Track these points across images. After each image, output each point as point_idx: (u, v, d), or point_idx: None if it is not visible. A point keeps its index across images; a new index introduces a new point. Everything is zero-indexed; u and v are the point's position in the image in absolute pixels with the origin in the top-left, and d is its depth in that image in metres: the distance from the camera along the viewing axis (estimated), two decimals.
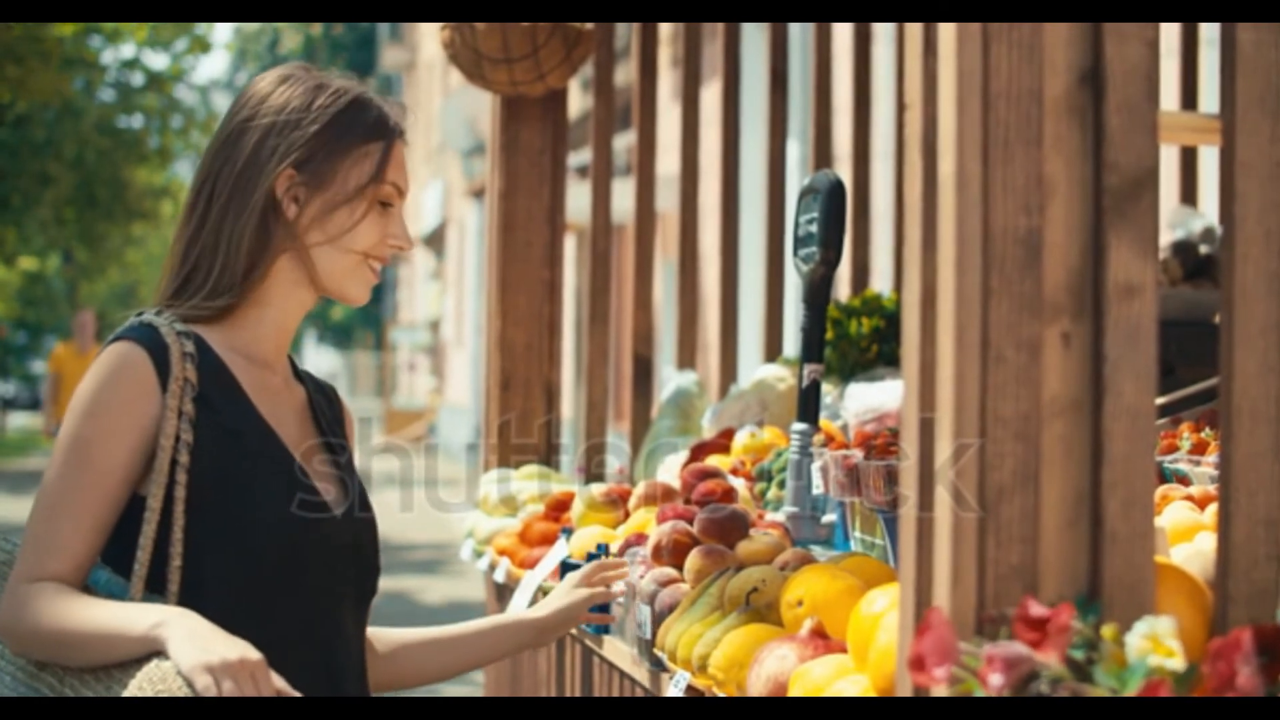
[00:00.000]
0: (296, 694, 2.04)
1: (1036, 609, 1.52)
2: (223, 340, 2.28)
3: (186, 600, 2.14)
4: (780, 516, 3.26)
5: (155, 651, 2.03)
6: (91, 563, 2.18)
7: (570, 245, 16.51)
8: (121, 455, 2.18)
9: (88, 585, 2.18)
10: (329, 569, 2.27)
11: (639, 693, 2.92)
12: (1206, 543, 2.12)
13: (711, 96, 9.14)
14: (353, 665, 2.32)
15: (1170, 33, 5.14)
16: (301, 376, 2.42)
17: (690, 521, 2.96)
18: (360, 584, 2.35)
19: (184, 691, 1.97)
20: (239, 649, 1.99)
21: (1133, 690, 1.46)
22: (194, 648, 2.00)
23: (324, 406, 2.42)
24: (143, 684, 2.00)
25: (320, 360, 48.73)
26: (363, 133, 2.30)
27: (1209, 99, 5.33)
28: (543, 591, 3.63)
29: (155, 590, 2.17)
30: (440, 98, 28.49)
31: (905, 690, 1.62)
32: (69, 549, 2.16)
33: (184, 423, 2.19)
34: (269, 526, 2.21)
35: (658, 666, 2.77)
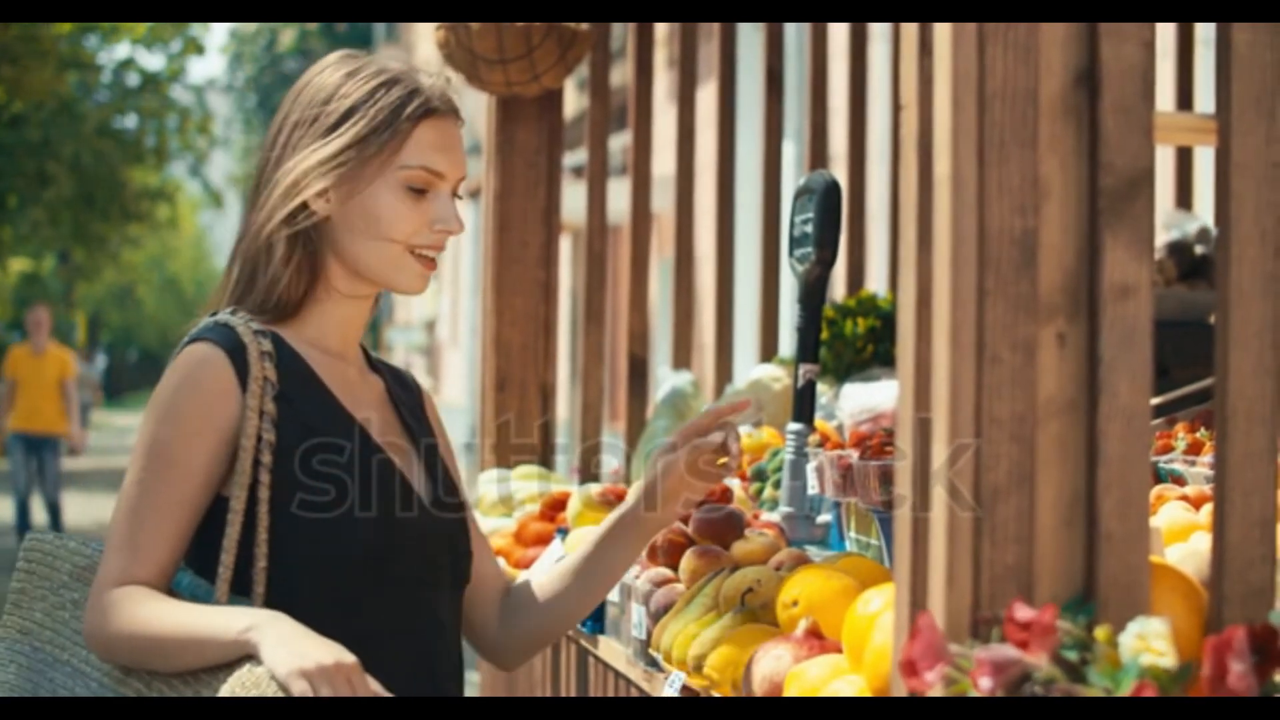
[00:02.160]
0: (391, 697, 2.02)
1: (1024, 613, 1.52)
2: (297, 336, 2.25)
3: (274, 600, 2.12)
4: (776, 517, 3.26)
5: (247, 655, 2.01)
6: (176, 566, 2.16)
7: (566, 246, 16.51)
8: (202, 457, 2.15)
9: (171, 589, 2.15)
10: (421, 559, 2.24)
11: (634, 693, 2.92)
12: (1201, 543, 2.12)
13: (707, 97, 9.15)
14: (449, 654, 2.29)
15: (1166, 33, 5.14)
16: (376, 366, 2.39)
17: (685, 521, 2.96)
18: (454, 570, 2.32)
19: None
20: (334, 652, 1.97)
21: (1126, 690, 1.46)
22: (288, 652, 1.97)
23: (402, 394, 2.38)
24: (235, 689, 1.99)
25: None
26: (385, 118, 2.22)
27: (1204, 99, 5.33)
28: None
29: (240, 593, 2.15)
30: None
31: (900, 690, 1.62)
32: (152, 553, 2.13)
33: (265, 422, 2.16)
34: (357, 521, 2.18)
35: (653, 667, 2.77)
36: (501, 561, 3.90)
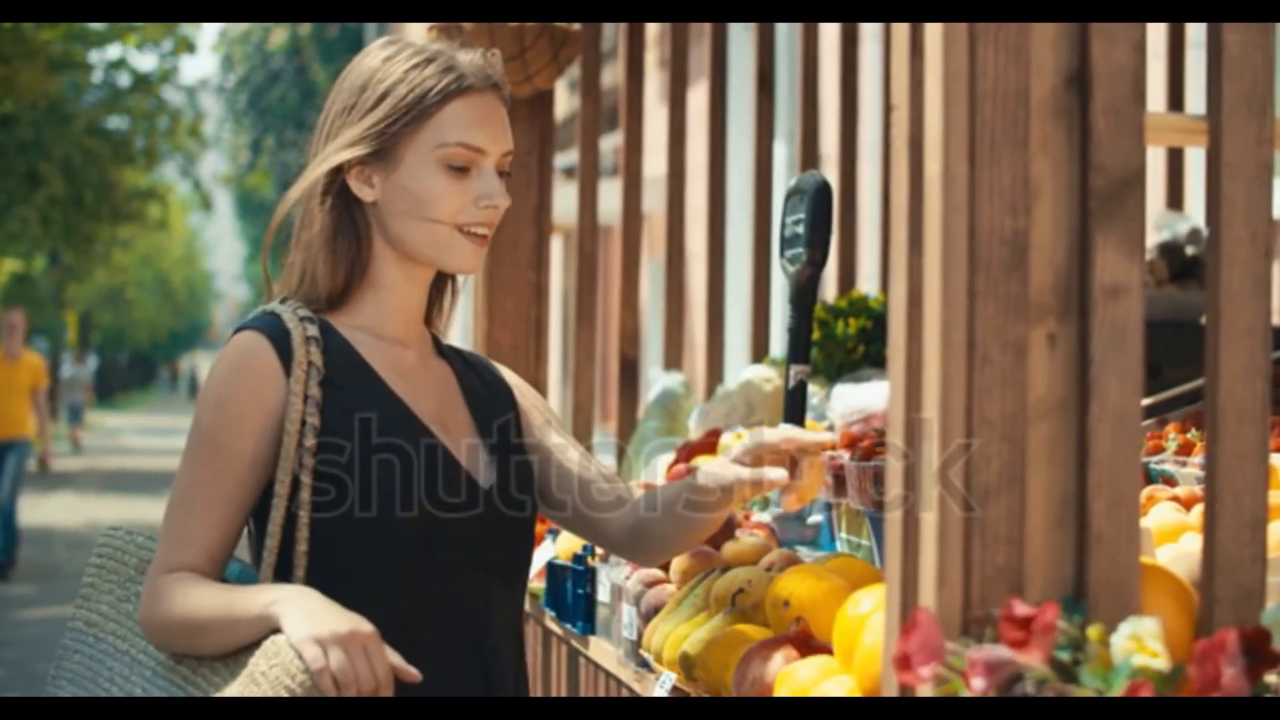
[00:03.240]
0: (412, 669, 2.02)
1: (1022, 609, 1.52)
2: (348, 323, 2.26)
3: (318, 583, 2.12)
4: (766, 517, 3.26)
5: (273, 629, 2.03)
6: (227, 552, 2.18)
7: (557, 247, 16.50)
8: (249, 443, 2.16)
9: (223, 578, 2.18)
10: (470, 544, 2.23)
11: (625, 693, 2.91)
12: (1192, 544, 2.12)
13: (698, 98, 9.16)
14: (501, 635, 2.28)
15: (1157, 34, 5.14)
16: (445, 352, 2.38)
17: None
18: (509, 554, 2.30)
19: (295, 664, 1.98)
20: (350, 622, 1.99)
21: (1118, 691, 1.46)
22: (305, 621, 1.99)
23: (473, 379, 2.37)
24: (259, 660, 2.02)
25: None
26: (419, 99, 2.21)
27: (1195, 100, 5.33)
28: (532, 594, 3.62)
29: (283, 577, 2.16)
30: None
31: (891, 691, 1.62)
32: (201, 539, 2.15)
33: (310, 406, 2.16)
34: (400, 507, 2.18)
35: (644, 667, 2.77)
36: None
